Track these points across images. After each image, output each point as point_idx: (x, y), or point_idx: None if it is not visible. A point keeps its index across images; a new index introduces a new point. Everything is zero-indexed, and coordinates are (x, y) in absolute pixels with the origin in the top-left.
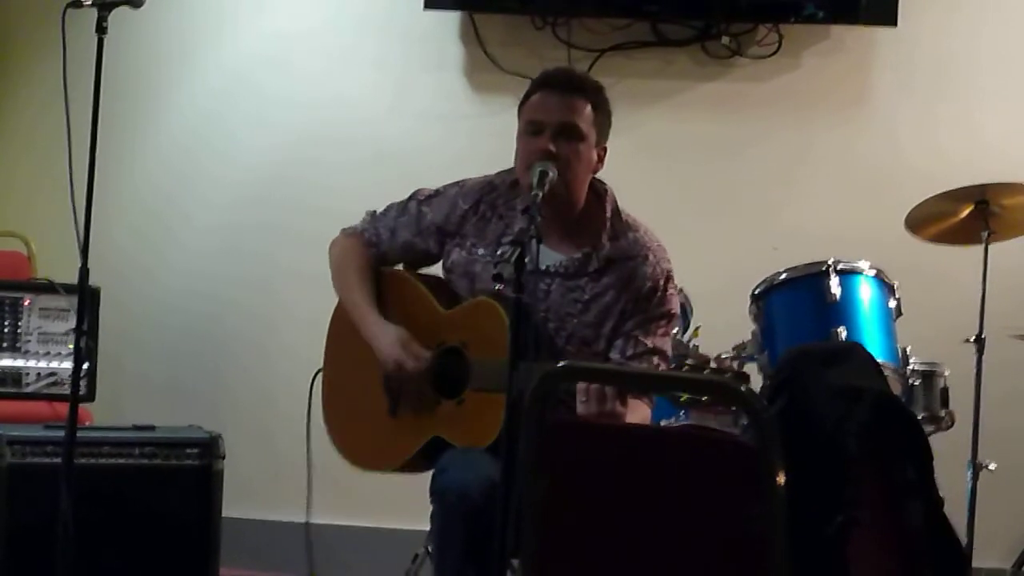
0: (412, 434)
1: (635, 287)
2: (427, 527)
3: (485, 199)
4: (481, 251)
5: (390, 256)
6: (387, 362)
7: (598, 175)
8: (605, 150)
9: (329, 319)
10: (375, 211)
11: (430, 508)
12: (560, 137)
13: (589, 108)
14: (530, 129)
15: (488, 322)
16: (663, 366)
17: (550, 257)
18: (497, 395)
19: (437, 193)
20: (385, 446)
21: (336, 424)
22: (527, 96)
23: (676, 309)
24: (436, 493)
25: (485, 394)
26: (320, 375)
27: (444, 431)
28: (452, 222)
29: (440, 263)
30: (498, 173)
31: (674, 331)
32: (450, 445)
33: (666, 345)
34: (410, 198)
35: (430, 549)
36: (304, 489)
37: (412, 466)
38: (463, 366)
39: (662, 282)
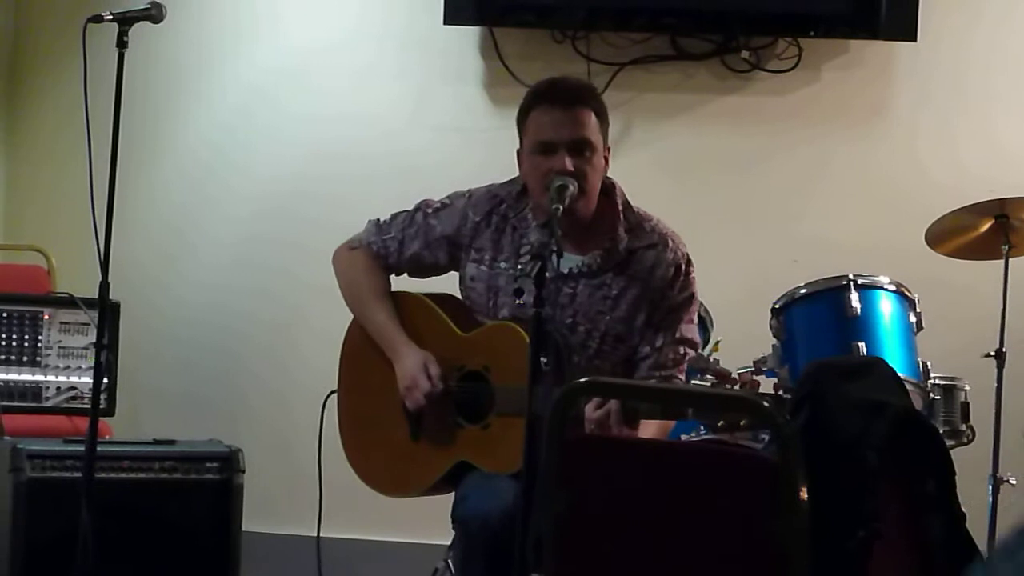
0: (436, 459)
1: (660, 274)
2: (442, 541)
3: (496, 211)
4: (503, 264)
5: (398, 269)
6: (401, 383)
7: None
8: (609, 150)
9: (343, 332)
10: (378, 220)
11: (445, 522)
12: (573, 153)
13: (593, 117)
14: (540, 149)
15: (510, 345)
16: (691, 354)
17: (570, 261)
18: (523, 419)
19: (444, 205)
20: (408, 471)
21: (355, 450)
22: (526, 110)
23: (697, 292)
24: (459, 522)
25: (511, 418)
26: (333, 396)
27: (471, 456)
28: (464, 234)
29: (444, 274)
30: (501, 184)
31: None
32: (474, 468)
33: (693, 332)
34: (416, 209)
35: (451, 565)
36: (325, 503)
37: (435, 490)
38: (486, 390)
39: (684, 265)
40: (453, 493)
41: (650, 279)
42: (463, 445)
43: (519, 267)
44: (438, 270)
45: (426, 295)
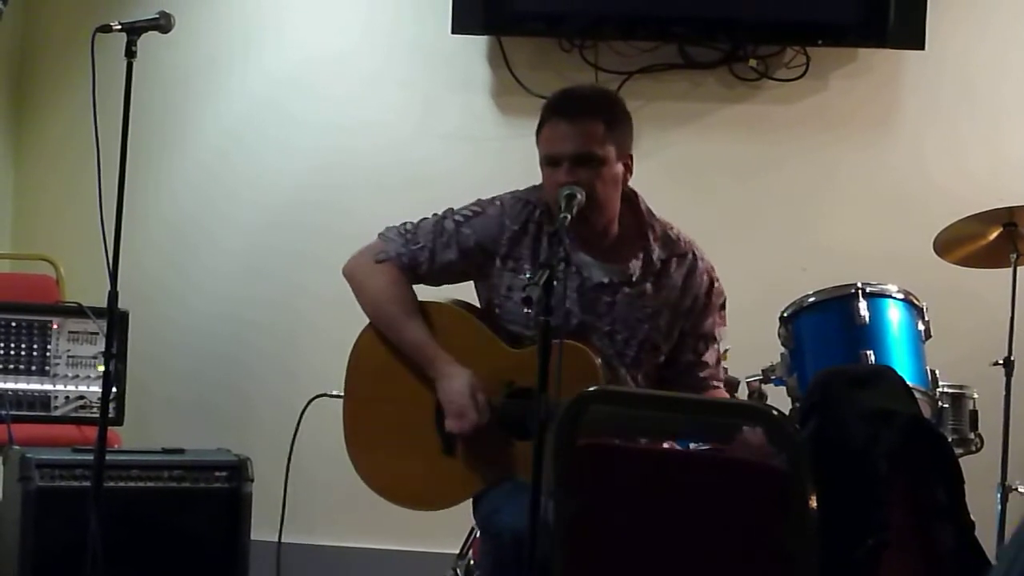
0: (478, 474)
1: (696, 283)
2: (453, 550)
3: (532, 219)
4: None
5: (428, 279)
6: (448, 406)
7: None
8: (631, 157)
9: (352, 341)
10: (400, 230)
11: (452, 532)
12: (578, 166)
13: (602, 127)
14: (548, 162)
15: (577, 365)
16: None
17: (606, 272)
18: None
19: (475, 212)
20: (441, 486)
21: (371, 462)
22: (541, 123)
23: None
24: (491, 534)
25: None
26: (316, 400)
27: (526, 473)
28: (501, 243)
29: (466, 281)
30: (526, 191)
31: None
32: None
33: (723, 333)
34: (444, 217)
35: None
36: (330, 511)
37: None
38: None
39: (714, 274)
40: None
41: (686, 290)
42: (515, 462)
43: (527, 276)
44: (465, 278)
45: (456, 303)
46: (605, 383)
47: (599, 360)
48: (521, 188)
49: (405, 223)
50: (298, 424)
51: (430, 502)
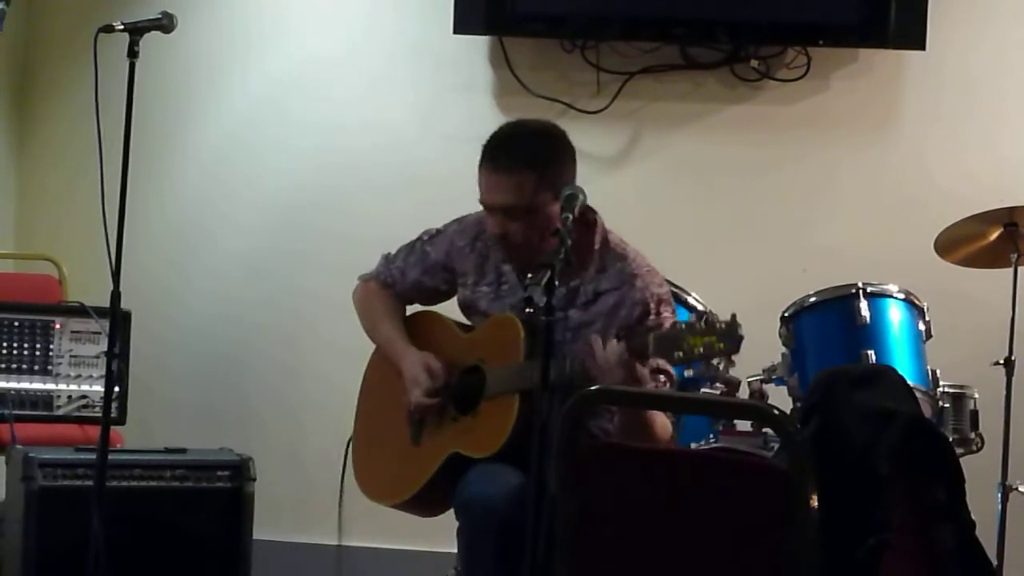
0: (431, 456)
1: (623, 314)
2: (452, 549)
3: (480, 237)
4: (484, 289)
5: (404, 296)
6: (407, 383)
7: (589, 202)
8: (568, 195)
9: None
10: (388, 254)
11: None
12: (509, 218)
13: (533, 178)
14: (486, 209)
15: (504, 333)
16: (669, 384)
17: (534, 292)
18: (508, 399)
19: (439, 232)
20: (404, 473)
21: (360, 468)
22: (479, 164)
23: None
24: (461, 506)
25: (497, 401)
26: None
27: (459, 445)
28: (453, 259)
29: (448, 299)
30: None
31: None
32: (470, 466)
33: (666, 365)
34: (418, 238)
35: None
36: (334, 511)
37: (431, 495)
38: (478, 379)
39: (652, 305)
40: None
41: (612, 318)
42: (454, 436)
43: (527, 276)
44: (440, 296)
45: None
46: (527, 350)
47: (523, 332)
48: None
49: (402, 246)
50: (343, 471)
51: (397, 492)
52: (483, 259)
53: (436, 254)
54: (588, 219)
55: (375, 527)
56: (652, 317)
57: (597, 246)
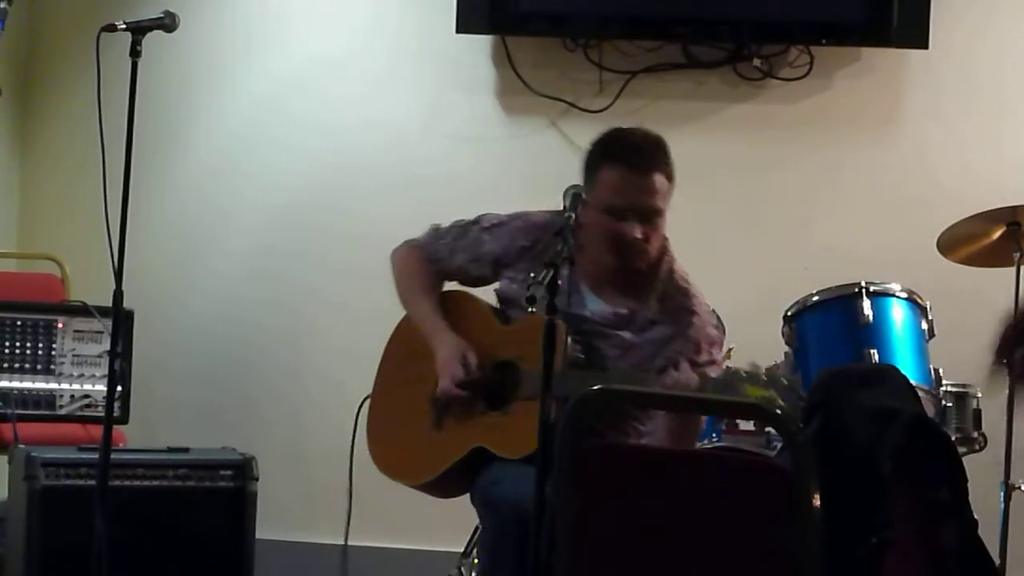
0: (454, 445)
1: (674, 347)
2: (458, 548)
3: (544, 238)
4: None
5: (445, 274)
6: (439, 369)
7: None
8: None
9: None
10: (439, 225)
11: (458, 530)
12: (643, 219)
13: (665, 181)
14: (609, 211)
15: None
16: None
17: (593, 303)
18: None
19: (501, 223)
20: (424, 457)
21: (375, 436)
22: (596, 163)
23: (720, 364)
24: (490, 505)
25: (531, 403)
26: (367, 402)
27: (486, 440)
28: (510, 255)
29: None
30: (556, 211)
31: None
32: (493, 460)
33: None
34: (474, 222)
35: (469, 561)
36: (334, 510)
37: (448, 482)
38: (513, 377)
39: (705, 345)
40: (468, 496)
41: (663, 351)
42: (481, 430)
43: (531, 275)
44: (480, 282)
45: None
46: (569, 359)
47: (568, 336)
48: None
49: (455, 222)
50: (355, 426)
51: (413, 474)
52: (540, 262)
53: (492, 246)
54: (661, 246)
55: (379, 526)
56: (703, 357)
57: (663, 275)
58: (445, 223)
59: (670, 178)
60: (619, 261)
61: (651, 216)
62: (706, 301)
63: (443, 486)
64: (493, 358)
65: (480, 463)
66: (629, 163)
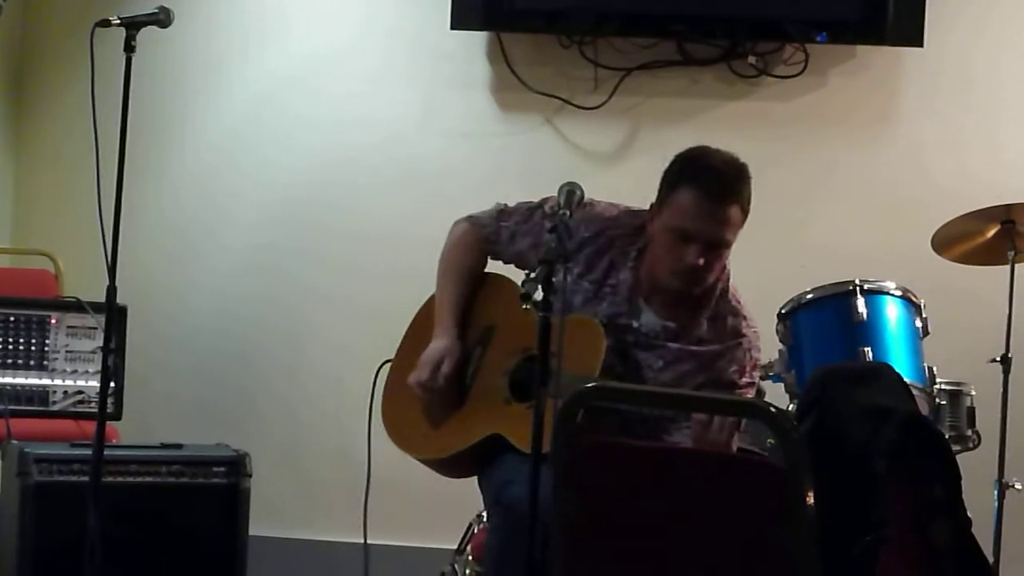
0: (473, 428)
1: (720, 366)
2: (451, 545)
3: (606, 233)
4: (586, 284)
5: (500, 257)
6: (420, 359)
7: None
8: None
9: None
10: (505, 205)
11: (456, 527)
12: (709, 250)
13: (739, 214)
14: (677, 233)
15: (585, 337)
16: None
17: (646, 316)
18: None
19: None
20: (437, 434)
21: (391, 407)
22: (674, 182)
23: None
24: (503, 505)
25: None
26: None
27: (507, 430)
28: (570, 243)
29: None
30: (628, 211)
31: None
32: (506, 451)
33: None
34: (539, 206)
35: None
36: (331, 507)
37: (460, 463)
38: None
39: (748, 368)
40: (464, 495)
41: (706, 371)
42: (503, 419)
43: (528, 273)
44: (533, 267)
45: None
46: (604, 365)
47: (605, 345)
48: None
49: (521, 203)
50: (372, 391)
51: (428, 451)
52: (598, 257)
53: None
54: (719, 266)
55: (374, 523)
56: (745, 379)
57: (717, 295)
58: (511, 203)
59: (745, 211)
60: (674, 281)
61: (717, 246)
62: (755, 324)
63: (453, 466)
64: (525, 347)
65: (495, 451)
66: (707, 190)
